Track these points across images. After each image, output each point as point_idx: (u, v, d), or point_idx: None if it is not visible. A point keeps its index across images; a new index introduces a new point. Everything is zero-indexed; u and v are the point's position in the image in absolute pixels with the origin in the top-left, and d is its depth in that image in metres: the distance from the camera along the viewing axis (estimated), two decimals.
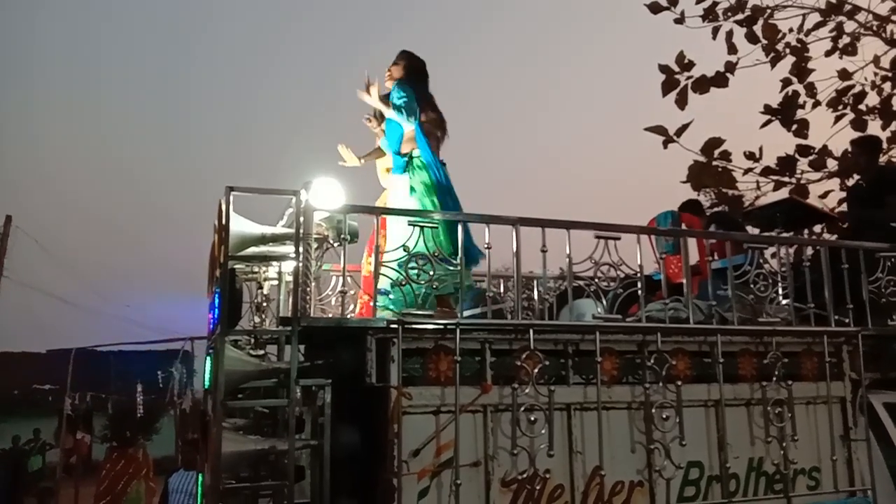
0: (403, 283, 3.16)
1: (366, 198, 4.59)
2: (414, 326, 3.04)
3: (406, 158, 4.22)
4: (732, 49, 8.08)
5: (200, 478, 3.61)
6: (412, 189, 4.15)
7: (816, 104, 8.12)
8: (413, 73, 4.41)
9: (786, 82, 8.15)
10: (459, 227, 3.34)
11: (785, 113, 8.06)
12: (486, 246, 3.41)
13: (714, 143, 7.89)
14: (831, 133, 8.04)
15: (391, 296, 3.58)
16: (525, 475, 3.07)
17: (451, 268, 3.48)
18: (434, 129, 4.34)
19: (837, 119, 8.08)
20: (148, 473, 8.86)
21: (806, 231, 5.33)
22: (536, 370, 3.10)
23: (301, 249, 2.96)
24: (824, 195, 7.84)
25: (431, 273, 3.17)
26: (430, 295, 3.19)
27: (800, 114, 8.10)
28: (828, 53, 8.15)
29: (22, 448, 15.17)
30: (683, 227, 5.21)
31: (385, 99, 4.37)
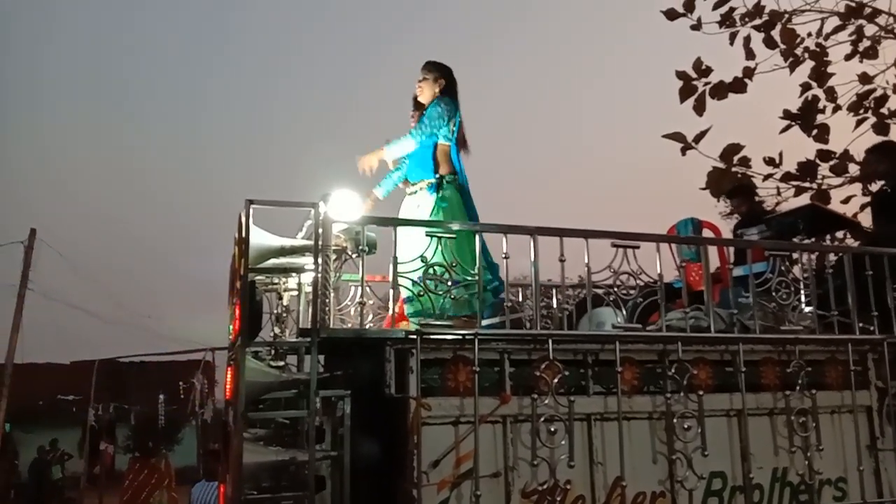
0: (422, 293, 3.16)
1: (383, 209, 4.61)
2: (432, 337, 3.04)
3: (437, 180, 4.22)
4: (750, 54, 8.01)
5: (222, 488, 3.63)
6: (440, 206, 4.15)
7: (837, 109, 8.02)
8: (450, 88, 4.36)
9: (805, 87, 8.06)
10: (477, 239, 3.34)
11: (805, 118, 7.97)
12: (503, 256, 3.40)
13: (733, 149, 7.82)
14: (852, 137, 7.93)
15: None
16: (545, 486, 3.05)
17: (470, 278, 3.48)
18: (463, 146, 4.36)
19: (859, 123, 7.98)
20: (170, 483, 8.96)
21: (828, 237, 5.27)
22: (556, 380, 3.09)
23: (320, 261, 2.98)
24: (846, 200, 7.75)
25: (450, 284, 3.17)
26: (448, 308, 3.19)
27: (820, 118, 8.00)
28: (848, 57, 8.05)
29: (45, 458, 15.39)
30: (704, 234, 5.17)
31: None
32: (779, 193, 8.04)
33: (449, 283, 3.17)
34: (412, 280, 3.21)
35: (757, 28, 8.07)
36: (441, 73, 4.36)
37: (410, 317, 3.62)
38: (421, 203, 4.27)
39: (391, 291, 3.27)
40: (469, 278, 3.32)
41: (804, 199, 7.69)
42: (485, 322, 3.64)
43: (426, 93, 4.35)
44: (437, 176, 4.23)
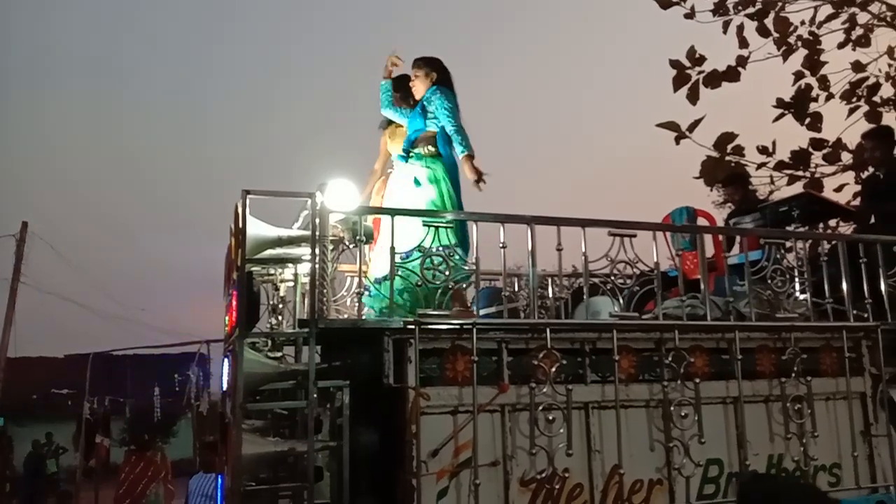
0: (419, 283, 3.16)
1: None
2: (430, 327, 3.04)
3: (413, 152, 4.20)
4: (744, 43, 8.02)
5: (220, 480, 3.64)
6: (424, 179, 4.12)
7: (830, 97, 8.05)
8: (445, 78, 4.36)
9: (798, 75, 8.08)
10: (474, 227, 3.34)
11: (798, 106, 7.99)
12: (500, 245, 3.40)
13: (727, 138, 7.85)
14: (845, 126, 7.97)
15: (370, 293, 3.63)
16: (544, 474, 3.07)
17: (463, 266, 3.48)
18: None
19: (851, 111, 8.01)
20: (166, 476, 8.94)
21: (821, 225, 5.29)
22: (554, 369, 3.10)
23: (317, 251, 2.98)
24: (839, 189, 7.78)
25: (447, 273, 3.17)
26: (442, 292, 3.18)
27: (813, 107, 8.03)
28: (840, 45, 8.07)
29: (41, 452, 15.35)
30: (699, 223, 5.18)
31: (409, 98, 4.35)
32: (772, 182, 8.08)
33: (446, 273, 3.17)
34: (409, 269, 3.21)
35: (750, 16, 8.08)
36: (431, 66, 4.37)
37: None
38: (408, 173, 4.26)
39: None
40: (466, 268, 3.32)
41: (797, 188, 7.72)
42: (482, 312, 3.65)
43: (420, 88, 4.36)
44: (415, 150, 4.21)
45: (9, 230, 16.90)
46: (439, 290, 3.17)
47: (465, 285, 3.72)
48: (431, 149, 4.22)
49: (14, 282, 16.63)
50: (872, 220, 4.94)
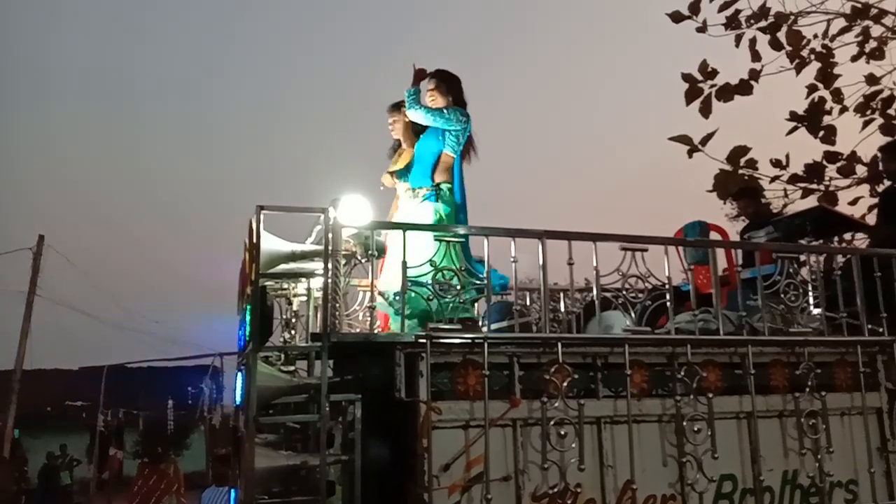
0: (430, 297, 3.18)
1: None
2: (442, 341, 3.05)
3: (435, 189, 4.12)
4: (756, 56, 8.01)
5: (233, 493, 3.65)
6: (437, 216, 4.10)
7: (843, 110, 8.01)
8: (462, 100, 4.29)
9: (811, 88, 8.05)
10: (486, 242, 3.35)
11: (811, 119, 7.96)
12: (512, 259, 3.41)
13: (740, 151, 7.82)
14: (860, 139, 7.93)
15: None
16: (556, 489, 3.06)
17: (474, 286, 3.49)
18: (469, 155, 4.33)
19: (865, 124, 7.96)
20: (179, 489, 8.97)
21: (836, 238, 5.26)
22: (565, 384, 3.10)
23: (330, 266, 3.00)
24: (854, 202, 7.73)
25: (459, 288, 3.18)
26: (456, 308, 3.19)
27: (826, 120, 7.99)
28: (854, 58, 8.04)
29: (54, 464, 15.46)
30: (712, 237, 5.17)
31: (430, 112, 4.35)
32: (786, 195, 8.04)
33: (458, 288, 3.18)
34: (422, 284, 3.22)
35: (762, 30, 8.07)
36: (451, 83, 4.30)
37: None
38: (419, 210, 4.22)
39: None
40: (477, 282, 3.34)
41: (811, 201, 7.69)
42: (493, 326, 3.66)
43: (438, 102, 4.28)
44: (434, 184, 4.18)
45: (22, 243, 17.13)
46: (451, 305, 3.18)
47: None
48: (445, 178, 4.17)
49: (30, 294, 16.81)
50: (887, 233, 4.90)
